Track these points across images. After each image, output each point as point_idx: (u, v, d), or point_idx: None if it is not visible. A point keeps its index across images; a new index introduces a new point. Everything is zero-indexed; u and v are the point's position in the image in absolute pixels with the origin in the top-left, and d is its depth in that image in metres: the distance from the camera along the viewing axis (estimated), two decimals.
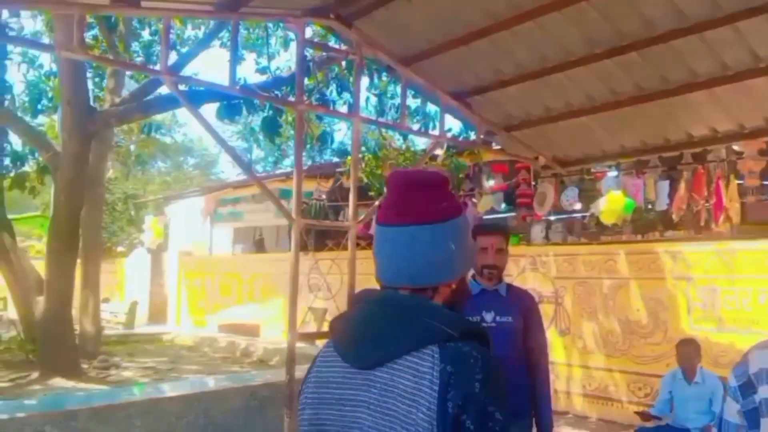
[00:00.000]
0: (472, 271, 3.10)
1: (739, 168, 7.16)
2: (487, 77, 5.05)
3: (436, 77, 5.14)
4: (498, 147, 6.91)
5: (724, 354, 6.48)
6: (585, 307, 7.89)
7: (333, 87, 6.01)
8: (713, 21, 3.77)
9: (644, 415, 5.64)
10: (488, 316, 3.01)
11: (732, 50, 4.07)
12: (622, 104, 4.93)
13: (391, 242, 1.25)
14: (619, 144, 5.76)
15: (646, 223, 8.34)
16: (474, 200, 10.23)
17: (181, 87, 4.73)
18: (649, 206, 7.83)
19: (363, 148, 9.28)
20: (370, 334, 1.20)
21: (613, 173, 7.70)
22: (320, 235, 12.03)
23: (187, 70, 9.39)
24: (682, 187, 6.91)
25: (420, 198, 1.25)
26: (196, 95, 5.86)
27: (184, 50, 11.78)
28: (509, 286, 3.20)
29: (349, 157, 6.82)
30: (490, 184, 10.03)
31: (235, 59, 4.09)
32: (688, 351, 5.29)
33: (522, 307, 3.13)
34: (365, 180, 9.30)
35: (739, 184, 7.10)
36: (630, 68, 4.49)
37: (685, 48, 4.14)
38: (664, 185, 7.18)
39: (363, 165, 9.16)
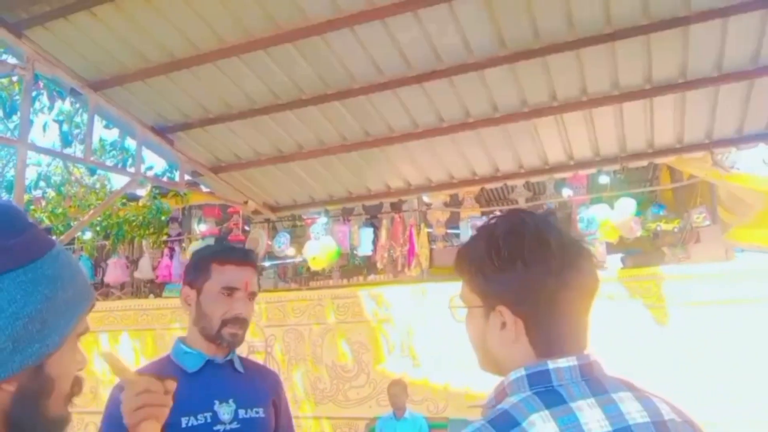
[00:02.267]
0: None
1: (429, 218, 7.96)
2: (192, 113, 4.69)
3: (133, 107, 4.60)
4: (207, 190, 6.54)
5: (419, 391, 6.96)
6: (294, 354, 7.82)
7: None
8: (405, 79, 4.03)
9: None
10: (225, 412, 1.71)
11: (421, 109, 4.42)
12: (328, 152, 5.02)
13: None
14: (326, 192, 5.88)
15: (352, 269, 8.73)
16: (183, 246, 9.56)
17: None
18: (355, 252, 8.17)
19: (43, 184, 7.99)
20: None
21: (323, 220, 7.87)
22: None
23: None
24: (383, 234, 7.39)
25: None
26: None
27: None
28: (242, 358, 1.90)
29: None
30: (201, 228, 9.50)
31: None
32: (397, 391, 5.54)
33: (270, 391, 1.88)
34: (45, 221, 8.00)
35: (428, 232, 7.86)
36: (335, 118, 4.59)
37: (383, 103, 4.38)
38: (368, 232, 7.59)
39: (43, 204, 7.90)
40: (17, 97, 4.92)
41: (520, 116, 4.39)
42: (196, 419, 1.65)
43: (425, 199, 7.55)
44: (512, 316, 0.97)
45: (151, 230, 8.88)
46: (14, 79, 5.21)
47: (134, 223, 8.63)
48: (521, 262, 0.96)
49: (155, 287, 9.34)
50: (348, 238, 7.42)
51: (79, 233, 8.97)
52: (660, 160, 5.05)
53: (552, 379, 0.93)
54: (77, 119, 7.54)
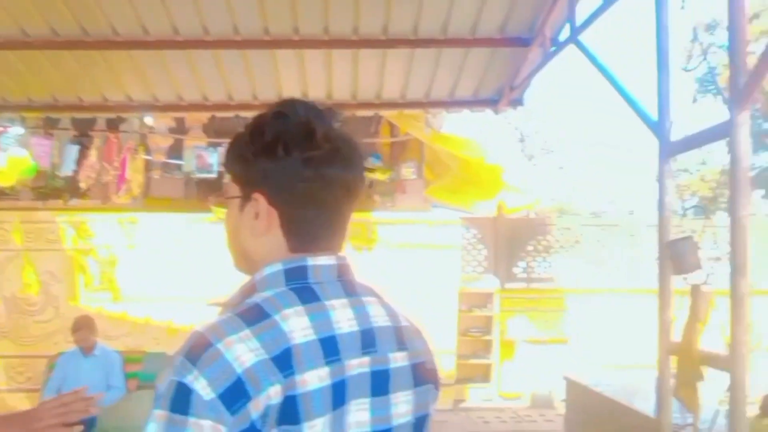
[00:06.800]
0: None
1: (149, 142, 7.32)
2: None
3: None
4: None
5: (117, 326, 6.51)
6: None
7: None
8: None
9: None
10: None
11: (153, 15, 3.99)
12: (32, 45, 4.25)
13: None
14: (25, 95, 5.01)
15: (50, 190, 7.62)
16: None
17: None
18: (56, 172, 7.16)
19: None
20: None
21: (18, 129, 6.67)
22: None
23: None
24: (93, 154, 6.56)
25: None
26: None
27: None
28: None
29: None
30: None
31: None
32: (83, 331, 5.05)
33: None
34: None
35: (146, 159, 7.25)
36: (45, 8, 3.87)
37: (108, 1, 3.83)
38: (73, 150, 6.65)
39: None
40: None
41: (262, 44, 4.27)
42: None
43: (147, 121, 6.92)
44: (267, 205, 0.92)
45: None
46: None
47: None
48: (282, 147, 0.90)
49: None
50: (50, 155, 6.43)
51: None
52: (385, 112, 5.43)
53: (309, 275, 0.91)
54: None
